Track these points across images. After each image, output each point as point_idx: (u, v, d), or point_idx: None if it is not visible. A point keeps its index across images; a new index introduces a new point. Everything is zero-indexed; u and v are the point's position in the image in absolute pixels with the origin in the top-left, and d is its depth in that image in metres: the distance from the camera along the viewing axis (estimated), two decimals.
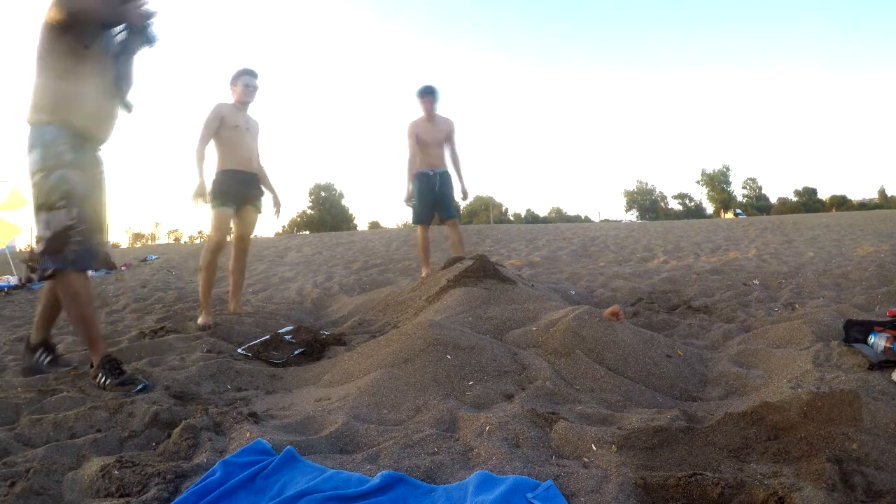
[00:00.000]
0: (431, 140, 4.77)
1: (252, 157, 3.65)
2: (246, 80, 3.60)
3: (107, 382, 2.10)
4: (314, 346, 2.78)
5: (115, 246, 36.54)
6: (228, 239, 3.70)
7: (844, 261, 5.26)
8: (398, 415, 1.74)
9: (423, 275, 4.73)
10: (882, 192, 52.69)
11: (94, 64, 2.15)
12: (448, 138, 4.84)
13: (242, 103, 3.61)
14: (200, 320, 3.36)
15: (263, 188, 3.80)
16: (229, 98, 3.62)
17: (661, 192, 60.02)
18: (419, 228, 4.93)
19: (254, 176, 3.70)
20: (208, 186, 3.42)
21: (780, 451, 1.32)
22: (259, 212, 3.76)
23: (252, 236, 3.90)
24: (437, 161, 4.83)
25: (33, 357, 2.42)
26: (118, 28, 2.21)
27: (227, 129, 3.52)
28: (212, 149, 3.55)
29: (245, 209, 3.65)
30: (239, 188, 3.58)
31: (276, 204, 3.90)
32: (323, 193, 53.07)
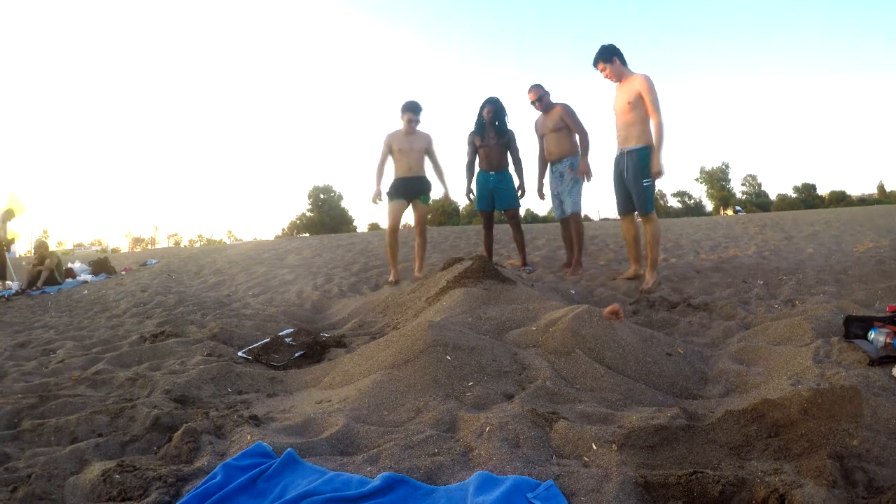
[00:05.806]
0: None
1: (412, 167, 4.91)
2: (409, 116, 4.82)
3: None
4: (314, 349, 2.78)
5: (115, 251, 36.55)
6: (402, 226, 5.24)
7: (844, 257, 5.26)
8: (398, 416, 1.74)
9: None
10: (881, 188, 52.53)
11: None
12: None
13: (406, 132, 4.87)
14: (390, 278, 4.95)
15: (437, 181, 5.12)
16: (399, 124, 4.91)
17: (660, 190, 59.82)
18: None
19: (417, 178, 4.95)
20: (385, 189, 4.93)
21: (781, 448, 1.32)
22: (425, 203, 5.06)
23: (426, 221, 5.23)
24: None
25: None
26: None
27: (396, 151, 4.88)
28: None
29: (414, 202, 5.02)
30: (406, 188, 4.93)
31: (444, 195, 5.13)
32: (322, 195, 52.93)
